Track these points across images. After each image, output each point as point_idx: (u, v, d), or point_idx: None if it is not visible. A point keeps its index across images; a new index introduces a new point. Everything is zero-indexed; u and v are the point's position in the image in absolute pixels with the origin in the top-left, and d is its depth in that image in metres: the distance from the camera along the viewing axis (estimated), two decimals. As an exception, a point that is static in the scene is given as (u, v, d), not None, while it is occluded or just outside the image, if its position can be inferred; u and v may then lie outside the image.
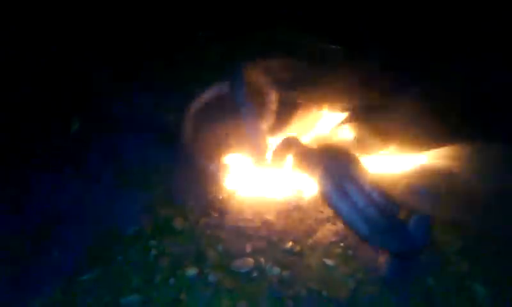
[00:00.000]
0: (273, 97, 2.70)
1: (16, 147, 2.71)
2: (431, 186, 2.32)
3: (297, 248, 2.11)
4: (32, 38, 3.39)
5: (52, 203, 2.36)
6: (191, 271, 2.00)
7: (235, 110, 2.70)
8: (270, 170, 2.52)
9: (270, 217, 2.28)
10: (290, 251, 2.10)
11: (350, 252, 2.08)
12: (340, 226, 2.18)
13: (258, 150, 2.51)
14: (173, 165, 2.51)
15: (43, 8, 3.47)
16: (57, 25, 3.49)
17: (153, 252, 2.10)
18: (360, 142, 2.63)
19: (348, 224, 2.01)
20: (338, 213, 2.04)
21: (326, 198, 2.06)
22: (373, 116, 2.75)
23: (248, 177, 2.52)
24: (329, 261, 2.05)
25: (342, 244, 2.12)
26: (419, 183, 2.35)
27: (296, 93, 2.81)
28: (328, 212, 2.26)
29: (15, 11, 3.41)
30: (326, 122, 2.80)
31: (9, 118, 2.90)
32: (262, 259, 2.04)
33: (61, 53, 3.34)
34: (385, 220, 1.94)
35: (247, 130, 2.53)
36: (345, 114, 2.79)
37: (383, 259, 2.01)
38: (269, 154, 2.53)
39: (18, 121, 2.90)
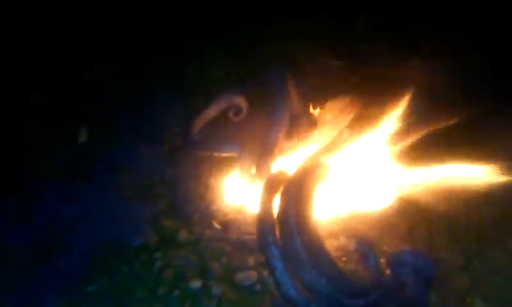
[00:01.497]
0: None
1: (24, 157, 2.74)
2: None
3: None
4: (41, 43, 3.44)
5: (59, 214, 2.38)
6: (195, 283, 2.02)
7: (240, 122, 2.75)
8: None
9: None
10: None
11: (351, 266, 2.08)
12: (342, 240, 2.20)
13: (264, 161, 2.48)
14: (179, 177, 2.54)
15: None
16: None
17: (158, 264, 2.12)
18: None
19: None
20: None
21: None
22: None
23: (251, 190, 2.53)
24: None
25: (344, 259, 2.13)
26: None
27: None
28: (332, 226, 2.28)
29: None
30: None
31: (17, 128, 2.94)
32: (265, 273, 2.05)
33: (70, 61, 3.38)
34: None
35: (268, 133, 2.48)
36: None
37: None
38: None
39: (27, 131, 2.93)
